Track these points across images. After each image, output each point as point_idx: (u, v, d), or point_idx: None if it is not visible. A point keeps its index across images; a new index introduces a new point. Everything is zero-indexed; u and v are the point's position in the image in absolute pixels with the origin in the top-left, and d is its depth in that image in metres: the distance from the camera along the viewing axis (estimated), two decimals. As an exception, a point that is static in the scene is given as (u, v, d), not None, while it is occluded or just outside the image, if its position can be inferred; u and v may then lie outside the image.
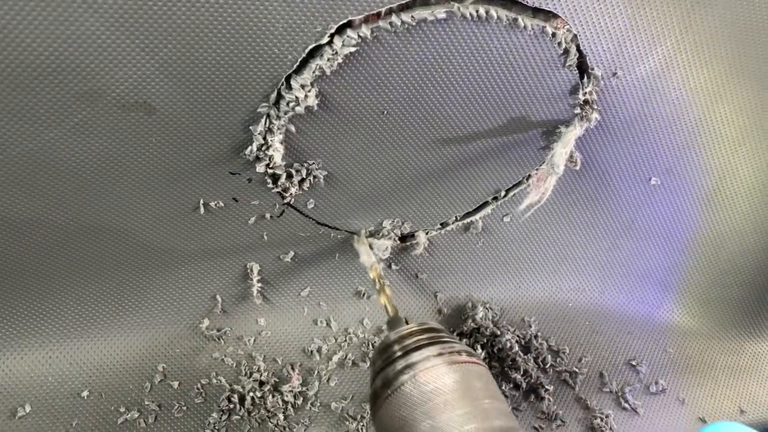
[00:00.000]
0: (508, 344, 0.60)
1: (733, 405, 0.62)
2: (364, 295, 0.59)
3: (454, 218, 0.57)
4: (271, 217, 0.51)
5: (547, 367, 0.60)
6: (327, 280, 0.57)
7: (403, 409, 0.36)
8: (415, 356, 0.39)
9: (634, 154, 0.55)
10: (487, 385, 0.38)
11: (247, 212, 0.50)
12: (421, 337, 0.41)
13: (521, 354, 0.60)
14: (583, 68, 0.46)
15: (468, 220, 0.57)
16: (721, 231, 0.63)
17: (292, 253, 0.54)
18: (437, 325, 0.43)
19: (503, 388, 0.58)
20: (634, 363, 0.63)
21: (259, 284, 0.55)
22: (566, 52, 0.44)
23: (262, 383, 0.54)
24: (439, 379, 0.37)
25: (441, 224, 0.57)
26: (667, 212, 0.61)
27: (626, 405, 0.59)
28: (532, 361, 0.60)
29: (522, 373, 0.59)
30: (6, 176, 0.41)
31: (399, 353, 0.40)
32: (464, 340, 0.60)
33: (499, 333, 0.60)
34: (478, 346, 0.59)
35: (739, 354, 0.66)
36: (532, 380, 0.59)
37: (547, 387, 0.59)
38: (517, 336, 0.62)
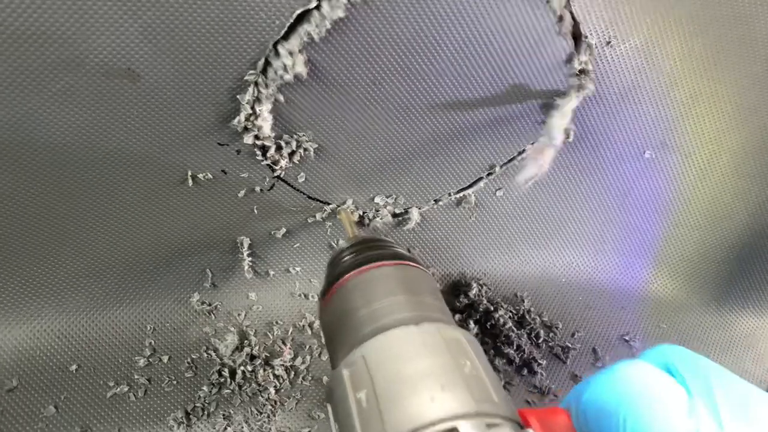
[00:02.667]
0: (501, 320, 0.60)
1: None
2: (356, 269, 0.58)
3: (447, 194, 0.56)
4: (261, 190, 0.50)
5: (540, 341, 0.60)
6: (318, 256, 0.57)
7: (345, 300, 0.36)
8: (362, 257, 0.39)
9: (628, 126, 0.54)
10: (430, 286, 0.38)
11: (237, 185, 0.49)
12: (371, 244, 0.41)
13: (514, 329, 0.60)
14: (577, 36, 0.45)
15: (461, 194, 0.56)
16: (715, 205, 0.63)
17: (283, 230, 0.54)
18: (388, 239, 0.43)
19: (496, 362, 0.58)
20: (627, 338, 0.62)
21: (250, 258, 0.54)
22: (560, 18, 0.43)
23: (253, 357, 0.54)
24: (382, 272, 0.37)
25: (434, 200, 0.56)
26: (661, 186, 0.60)
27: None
28: (525, 336, 0.60)
29: (515, 348, 0.59)
30: (-13, 146, 0.40)
31: (347, 256, 0.40)
32: (457, 315, 0.60)
33: (492, 309, 0.60)
34: (471, 322, 0.59)
35: (732, 329, 0.66)
36: (525, 355, 0.59)
37: (539, 362, 0.58)
38: (511, 312, 0.61)
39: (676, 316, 0.66)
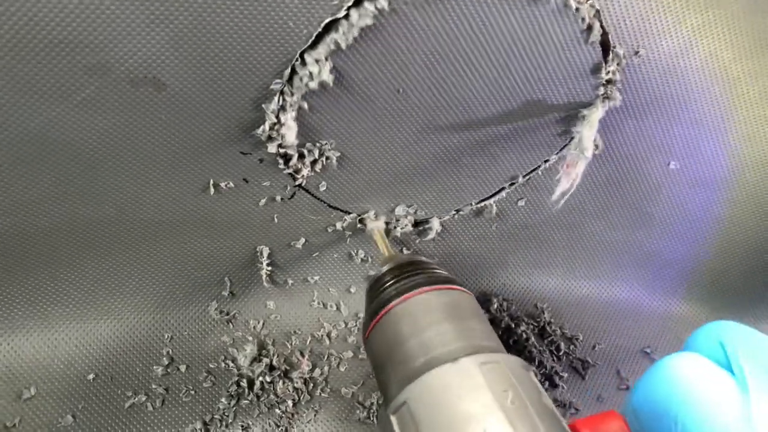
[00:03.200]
0: (524, 335, 0.59)
1: None
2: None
3: (469, 204, 0.55)
4: (282, 199, 0.49)
5: (560, 354, 0.59)
6: (337, 266, 0.56)
7: (392, 329, 0.37)
8: (405, 282, 0.39)
9: (654, 137, 0.53)
10: (474, 309, 0.38)
11: (258, 193, 0.48)
12: (411, 267, 0.41)
13: (536, 345, 0.59)
14: (605, 46, 0.44)
15: (482, 204, 0.56)
16: (740, 220, 0.62)
17: (303, 239, 0.53)
18: (427, 259, 0.44)
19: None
20: (648, 350, 0.62)
21: (269, 267, 0.54)
22: (589, 28, 0.42)
23: (272, 368, 0.54)
24: (427, 300, 0.37)
25: (456, 210, 0.56)
26: (685, 199, 0.59)
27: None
28: (546, 350, 0.59)
29: (537, 364, 0.58)
30: (11, 154, 0.40)
31: (390, 281, 0.40)
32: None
33: (513, 325, 0.59)
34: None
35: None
36: (547, 370, 0.58)
37: (561, 374, 0.58)
38: (532, 324, 0.60)
39: (697, 328, 0.65)
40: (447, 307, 0.37)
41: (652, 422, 0.27)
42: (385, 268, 0.43)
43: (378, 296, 0.40)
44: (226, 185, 0.47)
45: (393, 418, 0.32)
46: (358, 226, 0.53)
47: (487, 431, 0.28)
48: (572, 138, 0.50)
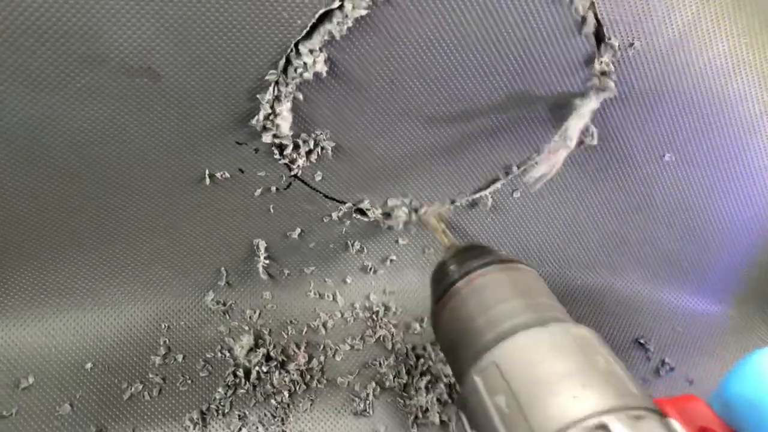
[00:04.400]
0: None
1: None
2: (370, 270, 0.58)
3: (463, 195, 0.56)
4: (277, 189, 0.50)
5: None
6: (333, 256, 0.57)
7: (460, 310, 0.37)
8: (469, 264, 0.39)
9: (649, 129, 0.53)
10: (541, 285, 0.38)
11: (254, 184, 0.49)
12: (474, 251, 0.41)
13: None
14: (599, 37, 0.45)
15: (477, 195, 0.56)
16: (733, 211, 0.62)
17: (299, 229, 0.54)
18: (487, 245, 0.44)
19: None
20: (642, 341, 0.62)
21: (265, 258, 0.54)
22: (583, 19, 0.42)
23: (269, 358, 0.54)
24: (493, 278, 0.38)
25: (450, 201, 0.56)
26: (679, 191, 0.60)
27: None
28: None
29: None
30: (5, 143, 0.40)
31: (453, 266, 0.41)
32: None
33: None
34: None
35: (749, 334, 0.65)
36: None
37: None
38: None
39: (691, 319, 0.65)
40: (518, 284, 0.37)
41: (745, 412, 0.27)
42: (447, 254, 0.43)
43: (445, 279, 0.40)
44: (221, 175, 0.47)
45: (477, 379, 0.32)
46: (354, 216, 0.54)
47: (585, 386, 0.28)
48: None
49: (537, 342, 0.31)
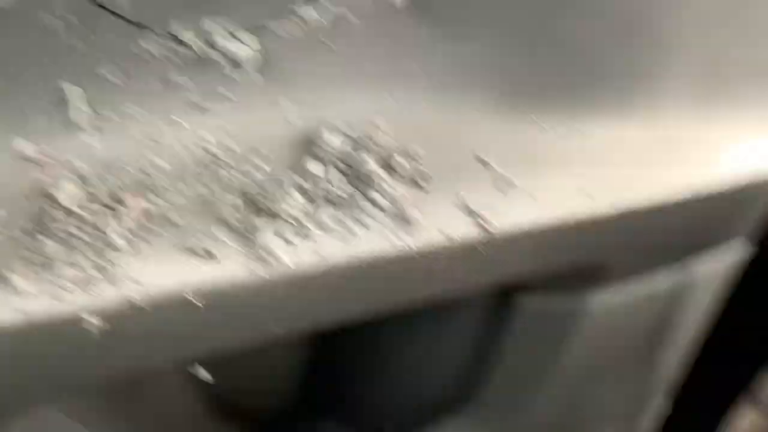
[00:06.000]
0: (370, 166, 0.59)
1: (581, 193, 0.66)
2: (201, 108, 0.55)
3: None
4: (79, 21, 0.45)
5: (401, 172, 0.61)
6: (153, 90, 0.53)
7: None
8: None
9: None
10: None
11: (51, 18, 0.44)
12: None
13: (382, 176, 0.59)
14: None
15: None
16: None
17: (111, 65, 0.49)
18: None
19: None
20: (484, 157, 0.64)
21: (79, 101, 0.50)
22: None
23: (105, 205, 0.51)
24: None
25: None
26: None
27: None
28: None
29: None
30: None
31: None
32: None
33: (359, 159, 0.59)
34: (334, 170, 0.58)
35: (586, 140, 0.68)
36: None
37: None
38: (377, 156, 0.60)
39: (530, 131, 0.67)
40: None
41: None
42: None
43: None
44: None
45: None
46: (172, 46, 0.50)
47: None
48: None
49: None
